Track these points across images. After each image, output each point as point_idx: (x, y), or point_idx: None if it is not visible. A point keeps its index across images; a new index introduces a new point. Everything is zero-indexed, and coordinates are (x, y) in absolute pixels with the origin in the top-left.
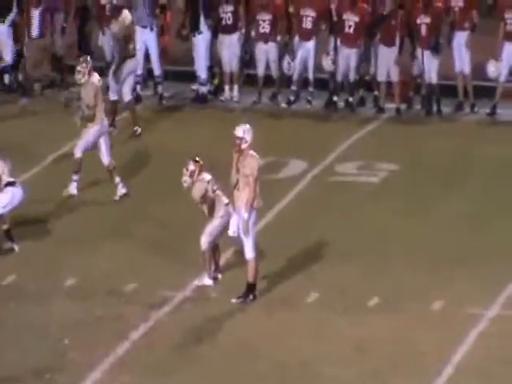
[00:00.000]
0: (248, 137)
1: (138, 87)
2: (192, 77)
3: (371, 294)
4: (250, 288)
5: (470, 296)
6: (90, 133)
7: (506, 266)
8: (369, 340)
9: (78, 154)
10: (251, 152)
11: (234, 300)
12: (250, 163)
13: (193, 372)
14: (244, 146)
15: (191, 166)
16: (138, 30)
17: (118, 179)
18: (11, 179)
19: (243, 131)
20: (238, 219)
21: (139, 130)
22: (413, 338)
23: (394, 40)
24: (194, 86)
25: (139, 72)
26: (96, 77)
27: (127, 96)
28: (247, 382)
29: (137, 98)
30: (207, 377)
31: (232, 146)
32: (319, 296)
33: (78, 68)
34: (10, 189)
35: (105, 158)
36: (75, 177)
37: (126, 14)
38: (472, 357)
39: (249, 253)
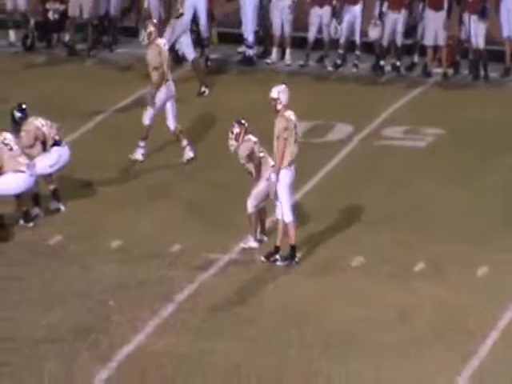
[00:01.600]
0: (283, 97)
1: (207, 50)
2: (238, 39)
3: (416, 260)
4: (293, 250)
5: (506, 257)
6: (158, 99)
7: None
8: (413, 306)
9: (146, 121)
10: (285, 113)
11: (279, 263)
12: (278, 124)
13: (238, 335)
14: (279, 106)
15: (236, 129)
16: None
17: (185, 142)
18: (57, 138)
19: (278, 92)
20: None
21: (207, 90)
22: (457, 304)
23: (442, 4)
24: (241, 49)
25: (204, 35)
26: (161, 39)
27: (190, 55)
28: (293, 347)
29: (206, 61)
30: (252, 340)
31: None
32: (364, 260)
33: (142, 29)
34: (56, 148)
35: (171, 123)
36: (142, 143)
37: None
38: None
39: (287, 216)
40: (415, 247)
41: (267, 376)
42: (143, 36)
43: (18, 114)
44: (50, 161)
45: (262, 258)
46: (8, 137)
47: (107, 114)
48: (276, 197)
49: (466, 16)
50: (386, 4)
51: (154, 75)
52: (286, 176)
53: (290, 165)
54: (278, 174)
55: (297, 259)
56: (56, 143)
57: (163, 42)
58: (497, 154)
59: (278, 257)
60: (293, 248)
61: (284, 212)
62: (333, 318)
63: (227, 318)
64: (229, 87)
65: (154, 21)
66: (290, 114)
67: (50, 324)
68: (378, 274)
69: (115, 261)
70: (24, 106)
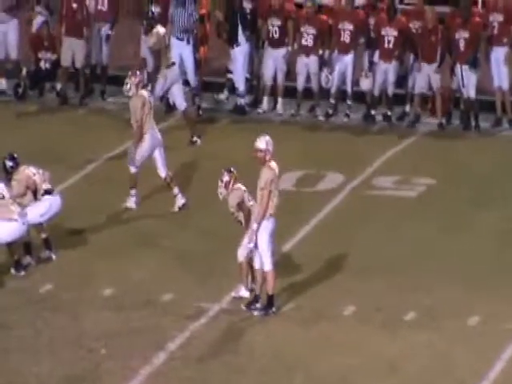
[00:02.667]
0: (271, 148)
1: (197, 99)
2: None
3: (408, 308)
4: (271, 300)
5: (507, 312)
6: (143, 148)
7: None
8: (405, 355)
9: (133, 169)
10: (270, 163)
11: (256, 312)
12: (265, 175)
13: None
14: (268, 157)
15: (226, 177)
16: (175, 42)
17: (176, 190)
18: (49, 187)
19: (266, 143)
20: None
21: (199, 140)
22: (449, 354)
23: (435, 56)
24: (222, 96)
25: (194, 85)
26: (144, 90)
27: (182, 105)
28: None
29: (198, 110)
30: None
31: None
32: (355, 309)
33: (127, 80)
34: (47, 197)
35: (161, 171)
36: (132, 192)
37: (159, 28)
38: (509, 373)
39: (267, 265)
40: (407, 295)
41: None
42: (127, 86)
43: (9, 163)
44: (41, 210)
45: (243, 307)
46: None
47: (99, 162)
48: (256, 246)
49: (457, 66)
50: (376, 54)
51: (135, 127)
52: (267, 226)
53: (271, 216)
54: (259, 224)
55: (274, 309)
56: (47, 192)
57: (147, 93)
58: (488, 204)
59: (257, 305)
60: (270, 297)
61: (264, 261)
62: (323, 367)
63: (218, 367)
64: (220, 136)
65: (138, 72)
66: (274, 165)
67: (41, 373)
68: (370, 323)
69: (107, 309)
70: (15, 155)
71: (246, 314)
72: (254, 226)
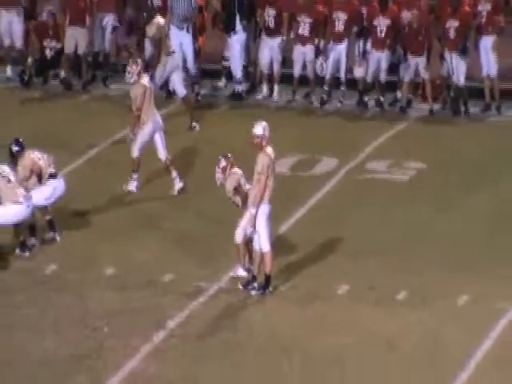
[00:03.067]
0: (267, 133)
1: (196, 86)
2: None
3: (399, 288)
4: (268, 280)
5: (496, 291)
6: (145, 132)
7: None
8: (398, 333)
9: (135, 153)
10: (266, 149)
11: (254, 292)
12: (262, 160)
13: (227, 361)
14: (264, 142)
15: (223, 163)
16: (175, 31)
17: (174, 174)
18: (53, 171)
19: (262, 128)
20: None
21: (197, 126)
22: (440, 331)
23: (422, 50)
24: (220, 83)
25: (194, 73)
26: (145, 77)
27: (181, 92)
28: (280, 373)
29: (197, 97)
30: (241, 366)
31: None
32: (349, 289)
33: (128, 68)
34: (52, 181)
35: (161, 154)
36: (134, 175)
37: (159, 19)
38: (496, 351)
39: (264, 246)
40: (399, 276)
41: None
42: (129, 74)
43: (14, 148)
44: (45, 193)
45: (240, 287)
46: (6, 169)
47: (102, 146)
48: (254, 229)
49: (447, 54)
50: (369, 43)
51: (135, 113)
52: (264, 210)
53: (267, 200)
54: (257, 207)
55: (270, 289)
56: (52, 176)
57: (147, 80)
58: (477, 188)
59: (255, 285)
60: (267, 277)
61: (261, 243)
62: (319, 345)
63: (216, 345)
64: (218, 122)
65: (139, 60)
66: (270, 150)
67: (46, 350)
68: (363, 302)
69: (109, 288)
70: (21, 140)
71: (244, 294)
72: (253, 210)
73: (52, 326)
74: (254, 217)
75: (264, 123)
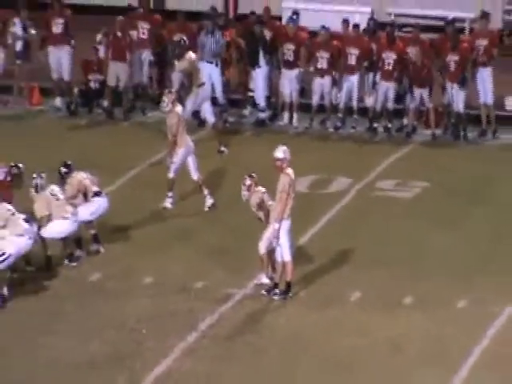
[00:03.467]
0: (288, 157)
1: (224, 114)
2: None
3: (405, 294)
4: (289, 286)
5: (492, 297)
6: (179, 155)
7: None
8: (403, 335)
9: (171, 174)
10: (287, 170)
11: (276, 297)
12: (283, 180)
13: (253, 361)
14: (285, 165)
15: (248, 181)
16: (205, 65)
17: (206, 192)
18: (98, 190)
19: (283, 152)
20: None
21: (226, 150)
22: (441, 333)
23: (426, 83)
24: (246, 111)
25: (222, 102)
26: (179, 106)
27: (211, 119)
28: (301, 372)
29: (225, 124)
30: (265, 365)
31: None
32: (361, 295)
33: (164, 98)
34: (96, 199)
35: (193, 174)
36: (169, 193)
37: (191, 54)
38: (493, 348)
39: (286, 256)
40: (405, 283)
41: None
42: (164, 103)
43: (63, 170)
44: (90, 209)
45: (264, 293)
46: (55, 189)
47: (140, 168)
48: (277, 241)
49: (448, 85)
50: (378, 75)
51: (171, 139)
52: (285, 224)
53: (288, 216)
54: (279, 222)
55: (291, 294)
56: (96, 194)
57: (181, 109)
58: (475, 205)
59: (277, 291)
60: (288, 284)
61: (283, 253)
62: (334, 347)
63: (243, 346)
64: (244, 146)
65: (173, 90)
66: (291, 171)
67: (89, 352)
68: (373, 307)
69: (148, 295)
70: (69, 163)
71: (267, 299)
72: (276, 225)
73: (96, 329)
74: (277, 230)
75: (284, 147)
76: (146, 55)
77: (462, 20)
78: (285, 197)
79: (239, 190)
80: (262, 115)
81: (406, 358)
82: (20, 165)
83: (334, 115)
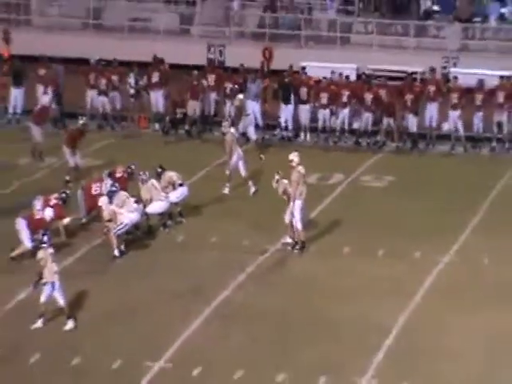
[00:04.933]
0: (296, 159)
1: (262, 134)
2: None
3: (379, 248)
4: (303, 244)
5: (437, 250)
6: (233, 160)
7: (454, 234)
8: (378, 275)
9: (228, 172)
10: (298, 167)
11: (295, 251)
12: (294, 174)
13: (282, 290)
14: (294, 164)
15: (276, 176)
16: (249, 102)
17: (250, 183)
18: (181, 182)
19: (293, 155)
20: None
21: (263, 157)
22: (403, 273)
23: (392, 113)
24: (276, 132)
25: (261, 126)
26: (233, 129)
27: (253, 137)
28: (313, 299)
29: (262, 140)
30: (290, 293)
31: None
32: (350, 250)
33: (224, 123)
34: (180, 188)
35: (242, 172)
36: (227, 184)
37: (240, 95)
38: (437, 283)
39: (299, 226)
40: (380, 241)
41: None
42: (224, 127)
43: (159, 170)
44: (177, 195)
45: (289, 248)
46: (154, 182)
47: (209, 168)
48: (293, 215)
49: (406, 114)
50: (362, 109)
51: (228, 150)
52: (298, 203)
53: (301, 197)
54: (294, 202)
55: (305, 249)
56: (181, 185)
57: (234, 131)
58: (425, 189)
59: (296, 247)
60: (303, 243)
61: (297, 224)
62: (335, 283)
63: (274, 282)
64: (275, 154)
65: (229, 119)
66: (300, 168)
67: (180, 285)
68: (361, 257)
69: (213, 249)
70: (162, 166)
71: (290, 252)
72: (292, 204)
73: (182, 270)
74: (294, 207)
75: (296, 152)
76: (213, 96)
77: (415, 73)
78: (295, 185)
79: (271, 182)
80: (287, 134)
81: (380, 290)
82: (132, 166)
83: (333, 134)
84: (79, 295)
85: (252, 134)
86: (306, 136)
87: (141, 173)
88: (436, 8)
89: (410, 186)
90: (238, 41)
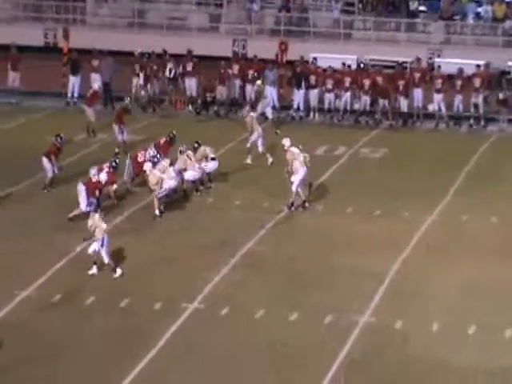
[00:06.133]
0: (287, 143)
1: (278, 114)
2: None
3: (376, 209)
4: (304, 203)
5: (424, 210)
6: (254, 136)
7: (438, 196)
8: (374, 232)
9: (248, 145)
10: (290, 148)
11: (301, 209)
12: (288, 155)
13: (292, 243)
14: (285, 148)
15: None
16: (267, 87)
17: (268, 155)
18: (212, 156)
19: (285, 140)
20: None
21: (279, 131)
22: (395, 230)
23: (386, 96)
24: (290, 112)
25: (277, 107)
26: (252, 112)
27: (270, 116)
28: (322, 247)
29: (278, 119)
30: (299, 242)
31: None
32: (352, 210)
33: (244, 108)
34: (212, 161)
35: (260, 148)
36: (249, 156)
37: (258, 82)
38: (424, 239)
39: (293, 187)
40: (376, 202)
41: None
42: (245, 110)
43: (195, 145)
44: (209, 166)
45: (293, 209)
46: (190, 154)
47: (234, 143)
48: (291, 183)
49: (398, 96)
50: (361, 92)
51: (249, 128)
52: (302, 171)
53: (303, 166)
54: (290, 174)
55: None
56: (212, 158)
57: (253, 114)
58: (415, 159)
59: (305, 205)
60: (303, 202)
61: (292, 188)
62: (339, 234)
63: (287, 233)
64: (289, 131)
65: (248, 104)
66: (292, 149)
67: (208, 238)
68: (359, 217)
69: (237, 210)
70: (198, 142)
71: (297, 212)
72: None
73: (208, 227)
74: (289, 177)
75: (287, 138)
76: (237, 82)
77: (406, 62)
78: (290, 162)
79: (283, 155)
80: (299, 114)
81: (376, 244)
82: (174, 132)
83: (337, 114)
84: (126, 248)
85: (269, 113)
86: (314, 115)
87: (181, 145)
88: (423, 8)
89: (402, 157)
90: (257, 36)
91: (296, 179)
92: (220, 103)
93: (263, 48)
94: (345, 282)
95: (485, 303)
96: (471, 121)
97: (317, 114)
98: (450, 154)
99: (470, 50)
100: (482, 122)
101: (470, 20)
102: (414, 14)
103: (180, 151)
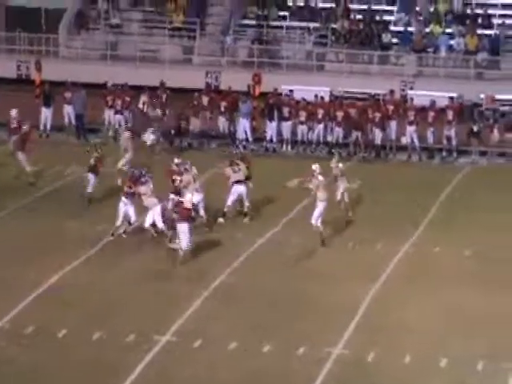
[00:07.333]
0: (318, 170)
1: (251, 145)
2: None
3: (351, 238)
4: (323, 241)
5: (395, 239)
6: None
7: (410, 228)
8: (347, 262)
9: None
10: (319, 177)
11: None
12: (314, 182)
13: (262, 273)
14: (315, 174)
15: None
16: (241, 119)
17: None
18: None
19: (315, 166)
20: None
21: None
22: (358, 265)
23: (360, 128)
24: (263, 144)
25: (250, 138)
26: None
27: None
28: (294, 283)
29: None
30: (277, 278)
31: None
32: (326, 240)
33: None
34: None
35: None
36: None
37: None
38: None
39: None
40: (354, 231)
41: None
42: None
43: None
44: (238, 190)
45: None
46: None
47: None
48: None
49: (373, 129)
50: (334, 124)
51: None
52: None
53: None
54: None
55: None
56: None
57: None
58: (388, 192)
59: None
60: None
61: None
62: (317, 268)
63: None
64: (261, 163)
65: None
66: (320, 177)
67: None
68: (331, 247)
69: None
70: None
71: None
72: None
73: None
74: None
75: (317, 165)
76: (207, 114)
77: (378, 94)
78: (315, 190)
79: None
80: (272, 146)
81: (350, 274)
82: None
83: (310, 146)
84: (98, 280)
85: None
86: (287, 147)
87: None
88: (395, 40)
89: (375, 188)
90: (231, 68)
91: (316, 212)
92: (193, 135)
93: (236, 80)
94: (318, 313)
95: (457, 335)
96: (443, 153)
97: (289, 146)
98: (423, 185)
99: (443, 82)
100: (455, 154)
101: (443, 52)
102: (386, 47)
103: (185, 169)
